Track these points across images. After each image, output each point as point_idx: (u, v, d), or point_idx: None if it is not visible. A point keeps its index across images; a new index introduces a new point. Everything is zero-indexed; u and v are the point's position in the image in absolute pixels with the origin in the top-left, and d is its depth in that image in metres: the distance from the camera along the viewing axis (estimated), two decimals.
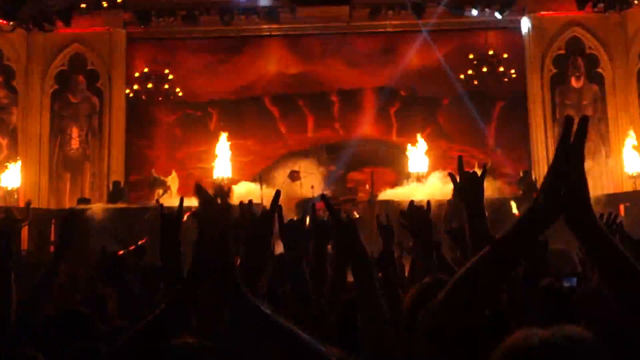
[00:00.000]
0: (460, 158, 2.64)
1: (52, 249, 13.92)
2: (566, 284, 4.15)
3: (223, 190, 13.64)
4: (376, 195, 14.38)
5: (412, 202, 3.12)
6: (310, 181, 14.89)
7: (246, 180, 15.47)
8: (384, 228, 3.40)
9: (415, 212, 3.05)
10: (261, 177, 14.48)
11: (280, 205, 2.33)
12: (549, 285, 2.99)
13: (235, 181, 15.48)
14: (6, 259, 2.84)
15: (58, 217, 14.39)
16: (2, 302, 2.77)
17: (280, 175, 15.53)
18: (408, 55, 17.00)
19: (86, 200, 15.20)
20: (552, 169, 1.46)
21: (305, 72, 17.25)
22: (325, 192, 14.88)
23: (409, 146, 15.68)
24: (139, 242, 12.59)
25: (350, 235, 2.12)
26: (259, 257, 2.18)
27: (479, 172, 2.55)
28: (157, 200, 14.04)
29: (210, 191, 11.81)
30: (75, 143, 16.95)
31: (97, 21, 16.66)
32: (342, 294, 2.78)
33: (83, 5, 15.75)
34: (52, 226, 14.27)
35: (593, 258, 1.46)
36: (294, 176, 15.12)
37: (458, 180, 2.54)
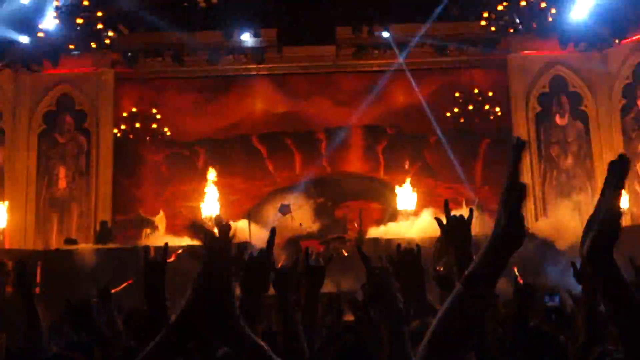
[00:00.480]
0: (446, 202, 2.64)
1: (37, 290, 13.77)
2: (550, 303, 4.16)
3: (224, 225, 13.48)
4: (365, 233, 14.38)
5: (399, 246, 3.11)
6: (300, 214, 14.88)
7: (233, 218, 15.42)
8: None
9: (403, 256, 3.04)
10: (250, 215, 14.44)
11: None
12: (537, 326, 2.99)
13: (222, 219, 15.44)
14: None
15: (44, 258, 14.26)
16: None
17: (270, 212, 15.51)
18: (394, 94, 17.20)
19: (73, 241, 15.09)
20: (505, 192, 1.45)
21: (292, 111, 17.35)
22: (314, 227, 14.95)
23: (397, 187, 15.74)
24: (125, 284, 12.53)
25: (385, 284, 2.07)
26: (255, 297, 2.15)
27: (465, 214, 2.56)
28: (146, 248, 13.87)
29: (211, 225, 11.72)
30: (62, 183, 16.89)
31: (85, 61, 16.74)
32: (336, 339, 2.76)
33: (71, 47, 15.84)
34: (38, 267, 14.11)
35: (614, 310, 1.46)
36: (284, 210, 15.07)
37: (445, 223, 2.54)
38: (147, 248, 2.77)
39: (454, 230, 2.53)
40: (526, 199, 1.46)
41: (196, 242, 1.57)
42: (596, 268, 1.49)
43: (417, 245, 3.13)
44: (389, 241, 13.16)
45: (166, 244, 2.61)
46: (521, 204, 1.44)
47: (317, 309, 2.75)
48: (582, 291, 2.97)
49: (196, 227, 1.63)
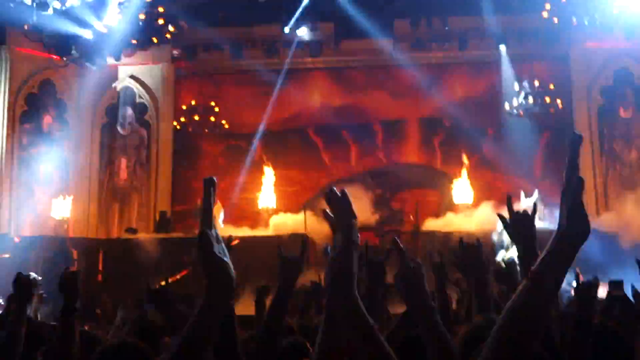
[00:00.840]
0: (509, 197, 2.59)
1: (99, 277, 14.21)
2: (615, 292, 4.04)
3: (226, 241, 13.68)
4: (421, 225, 14.30)
5: (461, 240, 3.10)
6: (359, 206, 14.86)
7: (290, 210, 15.59)
8: (437, 266, 3.38)
9: (467, 251, 3.03)
10: (306, 208, 14.54)
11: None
12: (601, 324, 2.93)
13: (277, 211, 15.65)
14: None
15: (105, 247, 14.70)
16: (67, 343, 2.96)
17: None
18: (452, 87, 17.01)
19: (133, 230, 15.48)
20: (567, 191, 1.46)
21: (349, 103, 17.36)
22: (372, 218, 14.94)
23: (454, 180, 15.59)
24: (182, 273, 12.82)
25: (417, 281, 2.08)
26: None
27: (529, 210, 2.53)
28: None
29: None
30: (123, 174, 17.33)
31: (146, 56, 17.09)
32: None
33: (133, 41, 16.18)
34: (100, 255, 14.55)
35: None
36: None
37: (508, 219, 2.50)
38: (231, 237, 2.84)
39: (518, 227, 2.49)
40: (584, 192, 1.46)
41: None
42: None
43: (478, 240, 3.11)
44: (446, 235, 13.07)
45: (230, 235, 2.68)
46: (581, 199, 1.44)
47: (377, 303, 2.76)
48: None
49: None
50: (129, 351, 2.52)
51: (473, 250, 3.03)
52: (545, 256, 1.46)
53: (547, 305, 1.49)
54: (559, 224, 1.46)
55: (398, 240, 2.08)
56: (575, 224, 1.43)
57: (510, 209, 2.57)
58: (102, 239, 15.91)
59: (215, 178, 1.59)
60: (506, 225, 2.56)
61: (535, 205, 2.61)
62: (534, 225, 2.52)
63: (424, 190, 16.63)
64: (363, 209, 14.94)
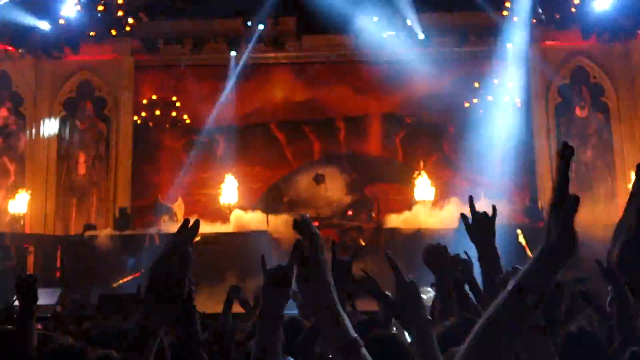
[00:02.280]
0: (471, 198, 2.63)
1: (57, 274, 13.96)
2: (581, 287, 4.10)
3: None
4: (383, 222, 14.39)
5: (430, 245, 3.12)
6: (333, 185, 15.36)
7: (252, 206, 15.54)
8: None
9: (434, 254, 3.05)
10: (268, 206, 14.55)
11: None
12: (578, 330, 2.96)
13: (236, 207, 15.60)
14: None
15: (64, 243, 14.45)
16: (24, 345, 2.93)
17: (304, 180, 15.83)
18: (413, 83, 17.11)
19: (92, 227, 15.24)
20: (559, 206, 1.44)
21: (311, 98, 17.36)
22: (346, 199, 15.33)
23: (415, 178, 15.70)
24: (133, 276, 12.68)
25: (413, 296, 2.07)
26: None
27: (489, 212, 2.56)
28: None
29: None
30: (82, 169, 17.03)
31: (105, 49, 16.81)
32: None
33: (92, 34, 15.90)
34: (58, 252, 14.30)
35: None
36: (318, 179, 15.49)
37: (470, 220, 2.53)
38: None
39: (479, 227, 2.52)
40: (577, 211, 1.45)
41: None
42: (626, 272, 1.48)
43: (444, 247, 3.14)
44: (404, 231, 13.18)
45: (197, 220, 2.61)
46: (574, 217, 1.43)
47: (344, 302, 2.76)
48: (612, 291, 2.95)
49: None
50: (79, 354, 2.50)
51: (440, 252, 3.05)
52: (529, 270, 1.44)
53: (527, 319, 1.46)
54: (547, 240, 1.45)
55: (392, 257, 2.06)
56: (565, 241, 1.43)
57: (472, 210, 2.60)
58: (60, 236, 15.62)
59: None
60: (467, 225, 2.58)
61: (494, 207, 2.65)
62: (494, 226, 2.55)
63: (387, 184, 16.75)
64: (338, 188, 15.21)
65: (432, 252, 3.07)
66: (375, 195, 15.87)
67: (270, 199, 15.55)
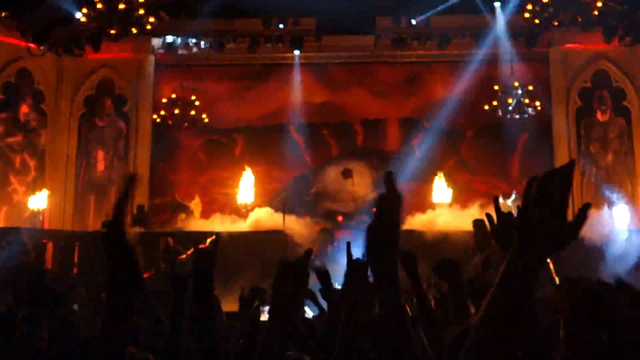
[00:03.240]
0: (496, 199, 2.56)
1: (75, 270, 14.05)
2: None
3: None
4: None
5: (440, 259, 3.10)
6: (360, 181, 15.73)
7: (270, 207, 15.54)
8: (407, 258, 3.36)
9: (445, 268, 3.03)
10: (285, 205, 14.55)
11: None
12: None
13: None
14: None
15: (82, 240, 14.53)
16: None
17: (333, 172, 16.43)
18: (432, 87, 17.06)
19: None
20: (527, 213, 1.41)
21: (329, 101, 17.33)
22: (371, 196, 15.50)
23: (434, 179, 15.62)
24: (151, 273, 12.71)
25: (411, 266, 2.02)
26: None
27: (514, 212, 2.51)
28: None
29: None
30: (100, 166, 17.16)
31: (125, 47, 16.90)
32: None
33: (112, 32, 15.98)
34: (76, 248, 14.39)
35: None
36: (346, 173, 15.63)
37: (495, 221, 2.48)
38: (198, 241, 2.82)
39: (506, 228, 2.47)
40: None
41: None
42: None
43: (456, 261, 3.11)
44: (421, 233, 13.10)
45: (217, 235, 2.65)
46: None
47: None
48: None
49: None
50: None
51: (451, 267, 3.02)
52: (499, 282, 1.42)
53: (517, 310, 1.42)
54: (512, 248, 1.42)
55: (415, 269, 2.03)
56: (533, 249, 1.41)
57: (497, 210, 2.54)
58: (78, 232, 15.72)
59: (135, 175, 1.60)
60: (493, 227, 2.52)
61: (519, 207, 2.58)
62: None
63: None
64: (364, 184, 15.61)
65: (444, 265, 3.04)
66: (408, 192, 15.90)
67: (296, 190, 15.65)
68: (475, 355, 1.42)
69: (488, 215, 2.42)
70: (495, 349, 1.41)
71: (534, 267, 1.40)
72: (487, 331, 1.41)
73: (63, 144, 17.02)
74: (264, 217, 14.90)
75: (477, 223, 8.93)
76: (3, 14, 14.92)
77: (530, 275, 1.40)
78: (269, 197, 16.33)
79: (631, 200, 15.83)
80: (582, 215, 1.41)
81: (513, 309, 1.41)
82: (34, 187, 16.17)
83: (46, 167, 16.80)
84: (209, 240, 2.75)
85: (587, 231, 13.15)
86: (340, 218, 16.47)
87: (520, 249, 1.40)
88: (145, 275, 12.87)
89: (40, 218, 15.81)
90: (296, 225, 14.21)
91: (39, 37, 16.10)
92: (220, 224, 14.35)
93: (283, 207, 14.34)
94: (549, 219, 1.40)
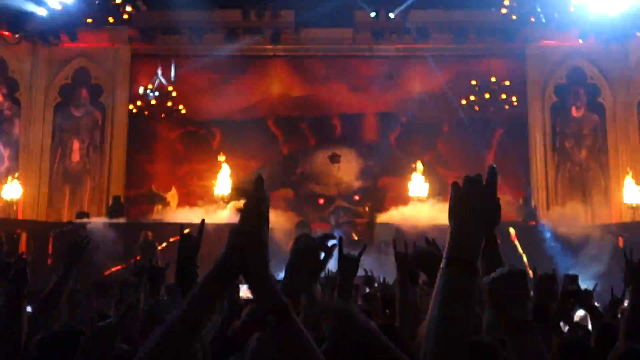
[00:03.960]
0: (455, 183, 2.59)
1: (49, 261, 13.92)
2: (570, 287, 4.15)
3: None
4: (375, 217, 14.42)
5: (418, 247, 3.11)
6: (347, 168, 16.10)
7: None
8: (400, 257, 3.39)
9: (425, 256, 3.04)
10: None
11: None
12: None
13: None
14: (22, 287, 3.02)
15: (55, 230, 14.40)
16: (14, 329, 2.93)
17: (321, 156, 16.93)
18: (410, 81, 17.13)
19: (85, 214, 15.20)
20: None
21: (308, 95, 17.33)
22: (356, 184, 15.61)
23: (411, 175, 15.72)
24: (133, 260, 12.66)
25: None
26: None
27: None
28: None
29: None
30: (75, 156, 16.99)
31: (102, 36, 16.76)
32: None
33: (89, 20, 15.84)
34: (50, 239, 14.25)
35: None
36: (334, 158, 15.83)
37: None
38: (183, 225, 2.81)
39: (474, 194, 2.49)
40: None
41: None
42: None
43: (433, 240, 3.14)
44: (398, 227, 13.16)
45: (203, 220, 2.64)
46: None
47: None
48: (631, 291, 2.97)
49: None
50: (68, 338, 2.49)
51: (429, 253, 3.03)
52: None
53: (465, 288, 1.51)
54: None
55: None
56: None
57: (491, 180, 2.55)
58: (53, 222, 15.58)
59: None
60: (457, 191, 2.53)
61: (492, 167, 2.59)
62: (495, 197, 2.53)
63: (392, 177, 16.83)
64: (350, 172, 16.05)
65: (424, 255, 3.05)
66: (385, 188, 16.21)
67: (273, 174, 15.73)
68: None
69: (454, 183, 2.43)
70: None
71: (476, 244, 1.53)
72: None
73: (37, 133, 16.81)
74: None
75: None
76: None
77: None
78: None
79: (604, 196, 16.08)
80: (492, 175, 1.60)
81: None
82: (7, 177, 15.97)
83: (20, 156, 16.59)
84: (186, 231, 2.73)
85: (562, 226, 13.44)
86: (321, 201, 16.60)
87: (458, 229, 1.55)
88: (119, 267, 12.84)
89: (14, 208, 15.63)
90: (273, 217, 14.22)
91: (14, 25, 15.88)
92: (197, 216, 14.29)
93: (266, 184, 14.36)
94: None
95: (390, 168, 16.92)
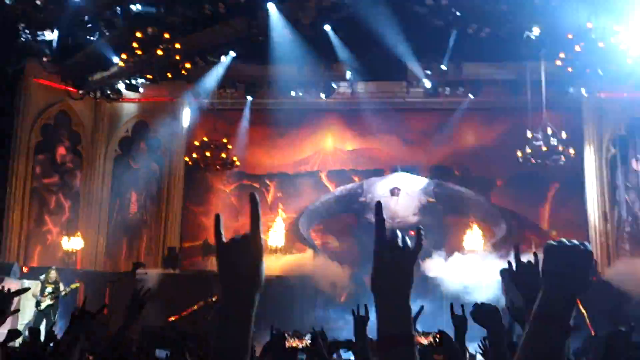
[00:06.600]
0: (516, 246, 2.63)
1: (105, 311, 14.08)
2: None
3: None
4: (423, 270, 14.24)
5: (476, 305, 3.10)
6: (404, 202, 16.06)
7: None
8: (457, 319, 3.37)
9: (485, 312, 3.03)
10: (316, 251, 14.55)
11: None
12: None
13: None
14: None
15: (113, 280, 14.63)
16: None
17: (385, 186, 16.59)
18: (463, 134, 17.03)
19: (141, 265, 15.41)
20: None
21: (361, 147, 17.35)
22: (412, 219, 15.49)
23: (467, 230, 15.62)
24: (194, 308, 12.76)
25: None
26: None
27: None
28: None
29: None
30: (133, 208, 17.35)
31: (161, 91, 17.21)
32: None
33: (149, 76, 16.34)
34: (107, 289, 14.47)
35: None
36: (394, 191, 15.64)
37: (514, 269, 2.54)
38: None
39: (522, 276, 2.54)
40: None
41: None
42: None
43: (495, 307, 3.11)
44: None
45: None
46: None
47: None
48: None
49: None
50: None
51: (491, 311, 3.02)
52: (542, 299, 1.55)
53: (553, 345, 1.51)
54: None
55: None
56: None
57: (517, 259, 2.63)
58: (110, 272, 15.85)
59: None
60: (512, 273, 2.61)
61: (536, 254, 2.66)
62: (538, 275, 2.54)
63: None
64: (408, 205, 16.22)
65: (482, 311, 3.04)
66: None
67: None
68: None
69: (509, 263, 2.51)
70: None
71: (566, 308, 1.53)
72: None
73: (97, 185, 17.27)
74: (295, 261, 14.99)
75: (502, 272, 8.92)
76: (45, 59, 15.36)
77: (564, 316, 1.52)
78: (302, 244, 16.51)
79: None
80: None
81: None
82: (67, 228, 16.39)
83: (80, 208, 17.03)
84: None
85: (623, 282, 12.97)
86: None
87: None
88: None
89: (74, 258, 15.98)
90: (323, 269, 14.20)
91: (79, 81, 16.52)
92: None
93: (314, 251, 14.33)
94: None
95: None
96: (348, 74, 16.51)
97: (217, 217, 1.62)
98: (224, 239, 1.59)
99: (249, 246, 1.55)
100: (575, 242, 1.57)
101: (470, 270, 13.87)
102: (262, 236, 1.56)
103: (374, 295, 1.53)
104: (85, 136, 17.50)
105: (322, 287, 13.81)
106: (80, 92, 16.79)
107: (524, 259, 2.55)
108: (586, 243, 1.60)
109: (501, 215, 16.60)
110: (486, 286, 11.49)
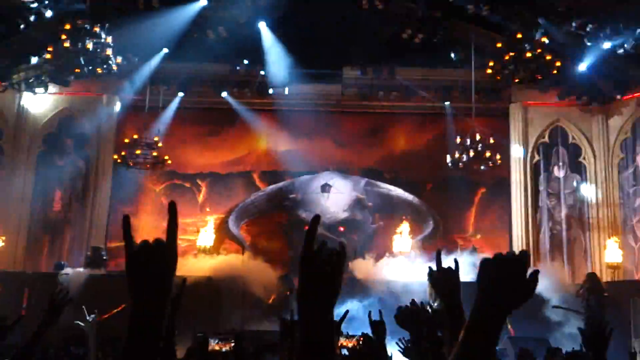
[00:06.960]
0: (438, 251, 2.63)
1: (22, 313, 13.56)
2: None
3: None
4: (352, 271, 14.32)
5: (405, 307, 3.12)
6: (334, 198, 16.32)
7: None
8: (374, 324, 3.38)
9: (409, 315, 3.04)
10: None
11: None
12: None
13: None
14: None
15: (33, 281, 14.11)
16: None
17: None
18: (395, 138, 17.26)
19: (63, 265, 14.93)
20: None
21: (295, 149, 17.28)
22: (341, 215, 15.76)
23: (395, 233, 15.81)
24: (116, 310, 12.42)
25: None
26: None
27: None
28: None
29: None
30: (57, 206, 16.79)
31: (90, 87, 16.74)
32: None
33: (77, 70, 15.85)
34: (26, 290, 13.95)
35: None
36: (325, 188, 15.94)
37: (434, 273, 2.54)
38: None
39: (441, 281, 2.54)
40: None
41: None
42: None
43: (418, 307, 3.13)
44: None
45: (184, 279, 2.61)
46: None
47: None
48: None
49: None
50: None
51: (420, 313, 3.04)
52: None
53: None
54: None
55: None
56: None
57: (438, 263, 2.64)
58: (29, 273, 15.23)
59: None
60: (432, 279, 2.62)
61: (456, 260, 2.69)
62: (457, 280, 2.58)
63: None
64: (339, 202, 16.49)
65: (406, 313, 3.05)
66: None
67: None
68: None
69: (430, 268, 2.53)
70: None
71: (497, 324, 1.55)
72: None
73: (19, 181, 16.59)
74: (225, 262, 14.85)
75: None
76: None
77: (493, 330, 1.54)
78: (231, 245, 16.34)
79: (584, 253, 16.14)
80: (534, 280, 1.57)
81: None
82: None
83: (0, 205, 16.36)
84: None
85: (542, 285, 13.40)
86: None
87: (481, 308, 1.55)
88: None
89: None
90: (255, 272, 14.10)
91: (1, 73, 15.90)
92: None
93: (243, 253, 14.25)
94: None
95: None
96: (283, 75, 16.48)
97: (126, 219, 1.55)
98: (134, 243, 1.53)
99: (163, 254, 1.49)
100: (513, 253, 1.60)
101: (400, 271, 14.07)
102: (180, 243, 1.52)
103: (298, 304, 1.54)
104: (8, 130, 16.84)
105: (251, 288, 13.70)
106: (3, 84, 16.17)
107: (449, 262, 2.57)
108: (525, 251, 1.64)
109: (428, 212, 16.90)
110: (417, 287, 11.66)
